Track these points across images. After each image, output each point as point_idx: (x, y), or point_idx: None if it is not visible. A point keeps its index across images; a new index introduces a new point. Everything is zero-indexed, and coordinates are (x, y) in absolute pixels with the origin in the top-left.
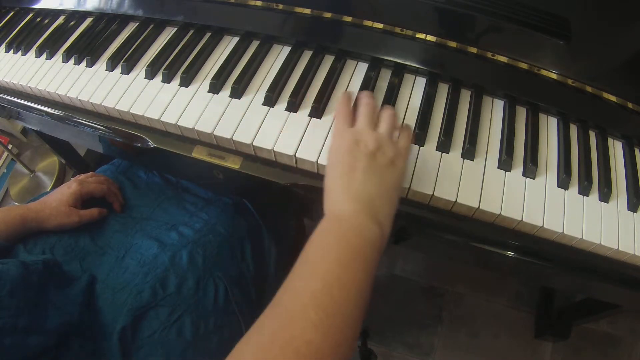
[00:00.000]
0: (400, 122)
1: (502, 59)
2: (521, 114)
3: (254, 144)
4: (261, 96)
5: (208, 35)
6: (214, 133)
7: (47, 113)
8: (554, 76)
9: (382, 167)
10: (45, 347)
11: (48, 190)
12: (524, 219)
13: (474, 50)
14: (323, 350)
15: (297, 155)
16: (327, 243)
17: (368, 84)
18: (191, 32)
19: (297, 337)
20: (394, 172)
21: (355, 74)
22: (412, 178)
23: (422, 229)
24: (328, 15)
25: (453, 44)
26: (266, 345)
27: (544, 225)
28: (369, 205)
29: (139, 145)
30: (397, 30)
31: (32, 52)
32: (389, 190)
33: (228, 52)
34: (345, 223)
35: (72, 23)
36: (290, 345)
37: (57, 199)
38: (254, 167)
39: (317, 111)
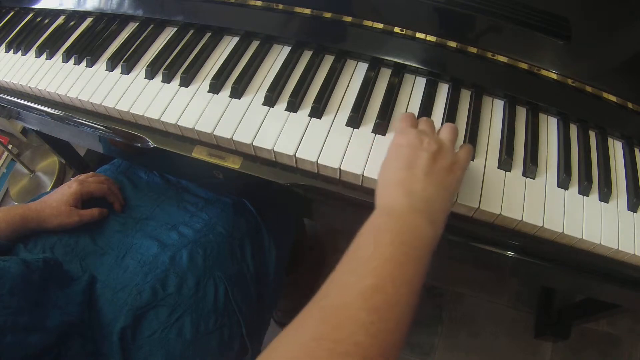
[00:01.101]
0: None
1: (502, 59)
2: (521, 114)
3: (254, 144)
4: (261, 96)
5: (208, 35)
6: (214, 133)
7: (47, 113)
8: (554, 76)
9: (442, 170)
10: (45, 346)
11: (48, 190)
12: (524, 219)
13: (474, 50)
14: (373, 353)
15: (297, 155)
16: (382, 239)
17: (368, 84)
18: (191, 32)
19: (346, 338)
20: (452, 178)
21: (355, 74)
22: None
23: None
24: (328, 15)
25: (453, 44)
26: (310, 345)
27: (544, 225)
28: (426, 205)
29: (139, 145)
30: (397, 30)
31: (32, 52)
32: (445, 194)
33: (228, 52)
34: (401, 220)
35: (72, 23)
36: (339, 346)
37: (58, 199)
38: (254, 167)
39: (317, 111)
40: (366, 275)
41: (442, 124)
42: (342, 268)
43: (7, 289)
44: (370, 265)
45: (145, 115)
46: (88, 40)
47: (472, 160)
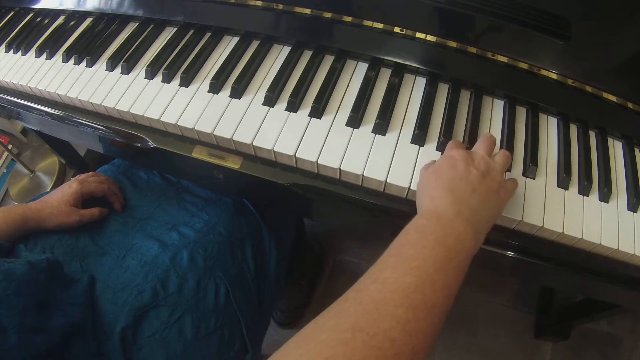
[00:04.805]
0: (402, 123)
1: (502, 59)
2: (521, 114)
3: (254, 144)
4: (261, 96)
5: (208, 35)
6: (214, 133)
7: (47, 113)
8: (554, 76)
9: (489, 189)
10: (50, 346)
11: (48, 190)
12: (524, 219)
13: (474, 50)
14: (405, 352)
15: (297, 155)
16: (426, 240)
17: (368, 84)
18: (191, 32)
19: (382, 332)
20: (497, 200)
21: (355, 74)
22: (411, 178)
23: None
24: (328, 15)
25: (453, 44)
26: (345, 335)
27: (544, 225)
28: (473, 217)
29: (139, 145)
30: (397, 30)
31: (32, 52)
32: (491, 211)
33: (228, 52)
34: (447, 225)
35: (72, 23)
36: (374, 339)
37: (58, 199)
38: (254, 167)
39: (317, 111)
40: (407, 273)
41: (442, 123)
42: (383, 264)
43: (13, 290)
44: (412, 264)
45: (145, 115)
46: (88, 40)
47: None
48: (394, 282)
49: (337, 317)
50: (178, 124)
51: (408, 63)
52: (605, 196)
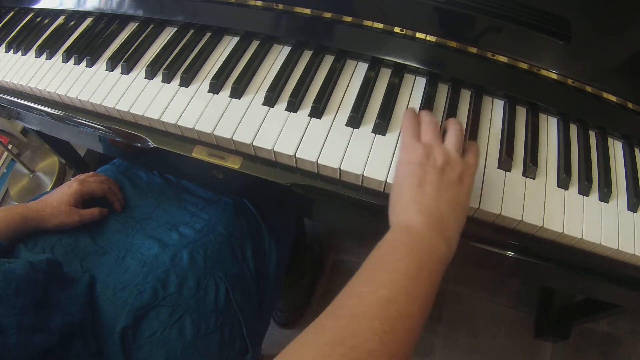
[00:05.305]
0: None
1: (502, 59)
2: (521, 114)
3: (254, 144)
4: (261, 96)
5: (208, 35)
6: (214, 133)
7: (47, 113)
8: (554, 76)
9: (451, 183)
10: (49, 346)
11: (48, 190)
12: (524, 219)
13: (474, 50)
14: None
15: (297, 155)
16: (398, 254)
17: (368, 84)
18: (191, 32)
19: (360, 345)
20: (462, 189)
21: (355, 74)
22: None
23: None
24: (328, 15)
25: (453, 44)
26: (324, 349)
27: (544, 225)
28: (439, 222)
29: (139, 145)
30: (397, 30)
31: (32, 52)
32: (457, 207)
33: (228, 52)
34: (415, 236)
35: (72, 23)
36: (353, 352)
37: (58, 199)
38: (254, 167)
39: (317, 111)
40: (381, 286)
41: (442, 124)
42: (358, 280)
43: (12, 290)
44: (386, 277)
45: (145, 115)
46: (88, 40)
47: None
48: (370, 296)
49: (317, 332)
50: (178, 124)
51: (408, 63)
52: (605, 196)
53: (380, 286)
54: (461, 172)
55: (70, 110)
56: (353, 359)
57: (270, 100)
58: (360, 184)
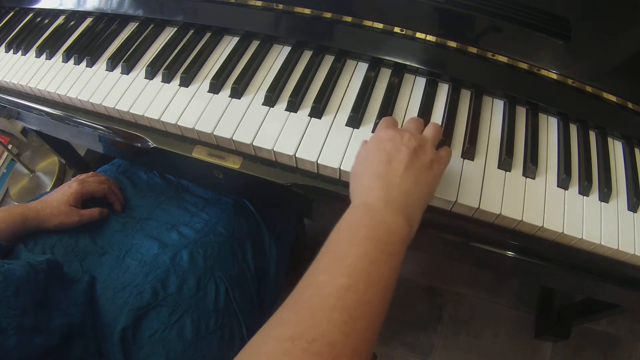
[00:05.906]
0: (401, 123)
1: (502, 59)
2: (521, 114)
3: (254, 144)
4: (261, 96)
5: (208, 35)
6: (214, 133)
7: (47, 113)
8: (554, 76)
9: (421, 166)
10: (49, 347)
11: (48, 190)
12: (524, 219)
13: (474, 50)
14: (345, 353)
15: (297, 155)
16: (357, 236)
17: (368, 84)
18: (191, 32)
19: (319, 338)
20: (430, 174)
21: (355, 74)
22: None
23: (421, 229)
24: (328, 15)
25: (453, 44)
26: (286, 345)
27: (544, 225)
28: (404, 202)
29: (139, 145)
30: (397, 30)
31: (32, 52)
32: (423, 189)
33: (228, 52)
34: (376, 216)
35: (72, 23)
36: (313, 346)
37: (58, 199)
38: (254, 167)
39: (317, 111)
40: (340, 274)
41: (442, 124)
42: (317, 265)
43: (12, 291)
44: (344, 263)
45: (145, 115)
46: (88, 40)
47: (472, 160)
48: (328, 285)
49: (278, 326)
50: (178, 124)
51: (408, 63)
52: (605, 196)
53: (338, 274)
54: (433, 159)
55: (70, 110)
56: (314, 353)
57: (270, 100)
58: None
